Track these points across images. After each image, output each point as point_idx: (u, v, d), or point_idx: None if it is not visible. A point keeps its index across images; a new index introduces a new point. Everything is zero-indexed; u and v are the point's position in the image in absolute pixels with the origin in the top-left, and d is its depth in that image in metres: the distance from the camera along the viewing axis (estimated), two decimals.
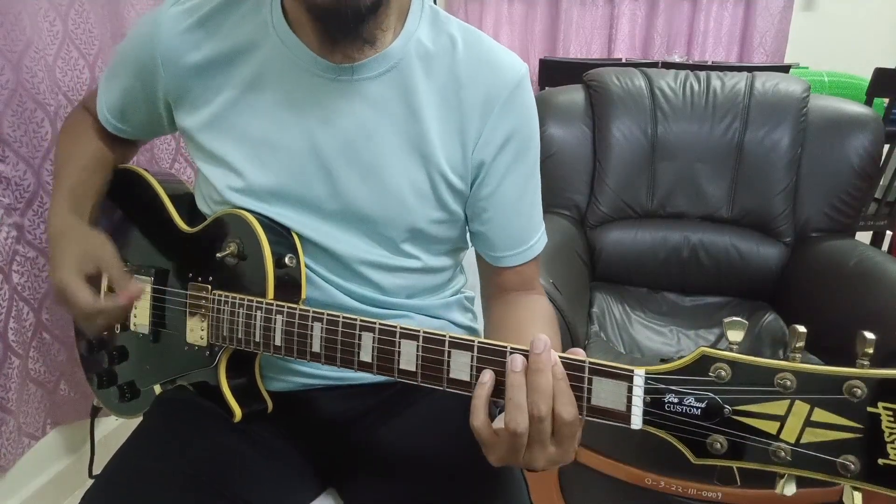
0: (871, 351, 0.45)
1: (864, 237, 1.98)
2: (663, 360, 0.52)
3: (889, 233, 2.39)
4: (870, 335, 0.45)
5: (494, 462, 0.56)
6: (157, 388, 0.83)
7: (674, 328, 1.55)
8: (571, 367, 0.54)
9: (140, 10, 1.39)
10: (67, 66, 1.21)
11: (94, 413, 0.97)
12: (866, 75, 2.19)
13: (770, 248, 1.63)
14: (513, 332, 0.73)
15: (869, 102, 2.14)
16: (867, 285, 1.35)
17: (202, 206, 0.79)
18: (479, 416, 0.55)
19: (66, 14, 1.21)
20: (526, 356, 0.54)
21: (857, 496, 0.47)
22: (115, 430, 1.45)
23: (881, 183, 2.23)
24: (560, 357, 0.54)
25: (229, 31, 0.72)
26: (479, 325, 0.90)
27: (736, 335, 0.49)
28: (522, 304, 0.79)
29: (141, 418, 0.81)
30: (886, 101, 2.19)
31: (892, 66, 2.12)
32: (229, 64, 0.72)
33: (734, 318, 0.50)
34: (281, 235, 0.73)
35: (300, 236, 0.74)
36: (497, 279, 0.82)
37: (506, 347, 0.56)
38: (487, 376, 0.56)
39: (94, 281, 0.76)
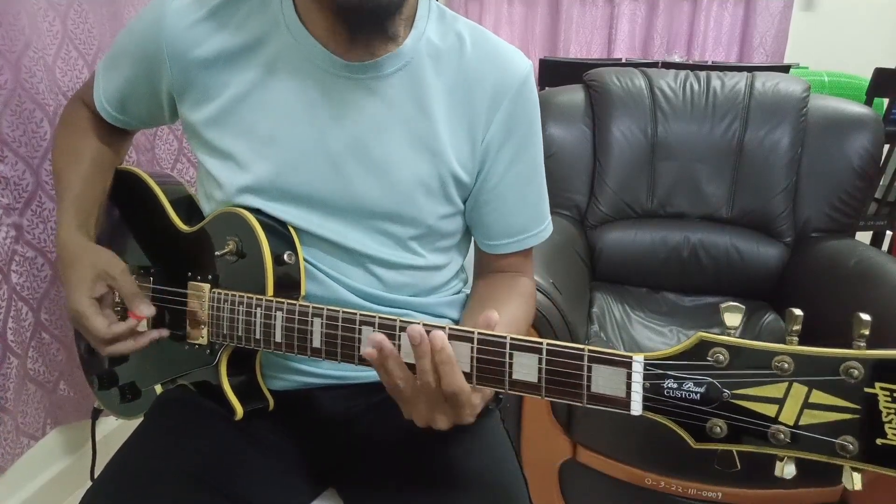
0: (866, 332, 0.46)
1: (864, 237, 1.98)
2: None
3: (889, 233, 2.39)
4: (865, 316, 0.45)
5: (406, 417, 0.63)
6: (158, 388, 0.83)
7: (674, 328, 1.54)
8: (569, 356, 0.54)
9: (139, 10, 1.39)
10: (67, 66, 1.21)
11: (95, 415, 0.97)
12: (866, 75, 2.19)
13: (770, 248, 1.63)
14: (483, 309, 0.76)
15: (869, 102, 2.14)
16: (867, 285, 1.34)
17: (203, 202, 0.79)
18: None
19: (66, 14, 1.21)
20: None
21: (857, 477, 0.46)
22: (115, 430, 1.45)
23: (881, 183, 2.23)
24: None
25: (238, 25, 0.72)
26: None
27: (733, 319, 0.50)
28: (503, 282, 0.82)
29: (142, 418, 0.81)
30: (886, 101, 2.19)
31: (892, 66, 2.12)
32: (238, 59, 0.72)
33: (731, 303, 0.50)
34: (280, 233, 0.72)
35: (307, 232, 0.74)
36: (486, 260, 0.84)
37: (505, 338, 0.57)
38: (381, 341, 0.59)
39: (108, 302, 0.76)
